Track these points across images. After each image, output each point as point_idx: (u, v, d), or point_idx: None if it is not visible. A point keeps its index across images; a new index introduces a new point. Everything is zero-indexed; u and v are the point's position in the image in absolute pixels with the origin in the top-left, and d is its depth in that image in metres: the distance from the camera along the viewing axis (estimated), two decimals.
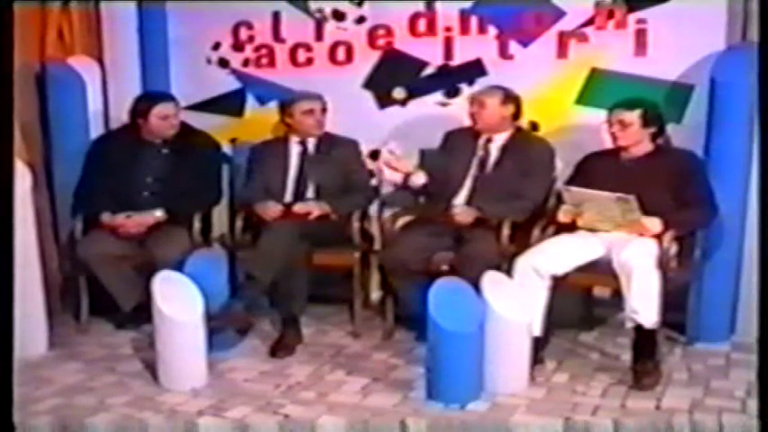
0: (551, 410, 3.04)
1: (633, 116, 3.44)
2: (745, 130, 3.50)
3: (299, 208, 3.89)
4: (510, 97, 3.79)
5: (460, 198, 3.80)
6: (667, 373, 3.34)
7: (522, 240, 3.62)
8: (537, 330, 3.35)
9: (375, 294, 4.19)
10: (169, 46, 4.48)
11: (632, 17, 3.88)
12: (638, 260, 3.19)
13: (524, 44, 4.05)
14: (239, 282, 3.73)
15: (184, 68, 4.50)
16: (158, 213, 3.94)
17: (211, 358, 3.42)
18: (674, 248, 3.35)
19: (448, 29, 4.14)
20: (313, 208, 3.88)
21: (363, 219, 3.97)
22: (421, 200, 4.00)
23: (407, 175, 3.81)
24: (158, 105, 4.00)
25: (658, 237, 3.30)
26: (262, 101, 4.48)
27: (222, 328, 3.56)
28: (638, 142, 3.48)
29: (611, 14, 3.90)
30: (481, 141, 3.82)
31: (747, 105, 3.43)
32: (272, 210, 3.86)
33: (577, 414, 3.01)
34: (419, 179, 3.80)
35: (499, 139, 3.81)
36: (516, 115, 3.82)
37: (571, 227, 3.48)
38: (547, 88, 4.03)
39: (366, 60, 4.28)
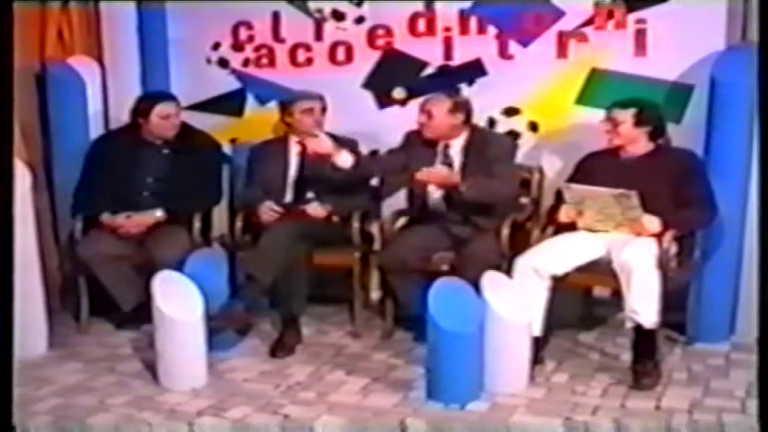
0: (551, 410, 3.04)
1: (626, 115, 3.44)
2: (745, 130, 3.50)
3: (310, 210, 3.90)
4: (459, 104, 3.74)
5: (437, 199, 3.79)
6: (667, 373, 3.34)
7: (522, 240, 3.63)
8: (537, 330, 3.35)
9: (375, 294, 4.18)
10: (169, 46, 4.48)
11: (632, 17, 3.88)
12: (638, 260, 3.19)
13: (524, 44, 4.05)
14: (239, 282, 3.73)
15: (184, 68, 4.50)
16: (158, 213, 3.94)
17: (211, 358, 3.42)
18: (674, 248, 3.35)
19: (447, 29, 4.14)
20: (319, 211, 3.89)
21: (363, 219, 3.97)
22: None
23: (329, 156, 3.66)
24: (160, 104, 4.01)
25: (658, 237, 3.30)
26: (262, 101, 4.48)
27: (222, 328, 3.56)
28: (633, 141, 3.48)
29: (610, 14, 3.90)
30: (440, 148, 3.77)
31: (747, 105, 3.44)
32: (268, 212, 3.86)
33: (577, 414, 3.00)
34: (346, 160, 3.65)
35: (457, 144, 3.76)
36: (468, 120, 3.77)
37: (571, 227, 3.48)
38: (547, 88, 4.03)
39: (366, 60, 4.28)
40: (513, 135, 4.05)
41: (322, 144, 3.67)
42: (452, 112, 3.71)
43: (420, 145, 3.82)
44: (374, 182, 4.17)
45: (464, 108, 3.76)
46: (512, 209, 3.80)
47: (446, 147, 3.78)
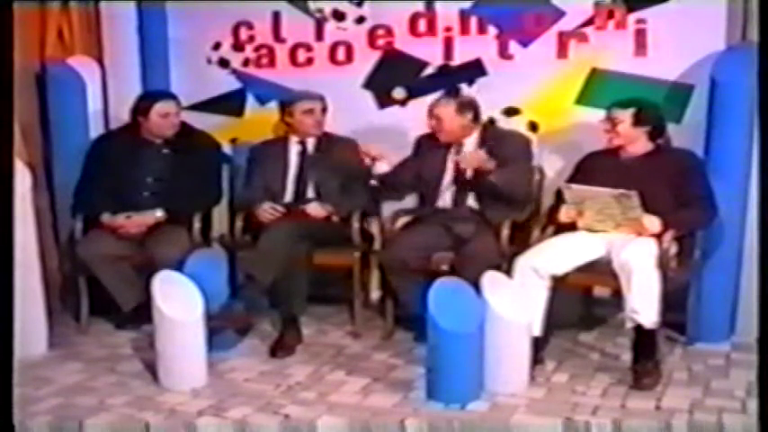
0: (551, 410, 3.04)
1: (625, 115, 3.44)
2: (745, 130, 3.50)
3: (310, 210, 3.91)
4: (465, 105, 3.77)
5: (447, 198, 3.82)
6: (667, 373, 3.34)
7: (522, 240, 3.63)
8: (537, 330, 3.35)
9: (375, 294, 4.19)
10: (169, 46, 4.48)
11: (632, 17, 3.88)
12: (638, 260, 3.19)
13: (524, 44, 4.05)
14: (239, 282, 3.73)
15: (184, 68, 4.50)
16: (158, 213, 3.94)
17: (211, 358, 3.42)
18: (674, 248, 3.36)
19: (448, 29, 4.14)
20: (319, 211, 3.89)
21: (363, 219, 3.97)
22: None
23: (374, 160, 3.77)
24: (159, 103, 4.01)
25: (658, 236, 3.30)
26: (262, 101, 4.48)
27: (222, 328, 3.56)
28: (633, 141, 3.48)
29: (610, 14, 3.90)
30: (453, 147, 3.80)
31: (747, 105, 3.43)
32: (268, 212, 3.86)
33: (577, 414, 3.00)
34: (382, 167, 3.77)
35: (470, 143, 3.79)
36: (476, 118, 3.80)
37: (571, 227, 3.48)
38: (547, 88, 4.03)
39: (366, 60, 4.28)
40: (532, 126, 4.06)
41: (374, 148, 3.76)
42: (460, 112, 3.75)
43: (432, 147, 3.85)
44: (373, 182, 4.17)
45: (471, 107, 3.79)
46: (522, 206, 3.81)
47: (459, 146, 3.79)
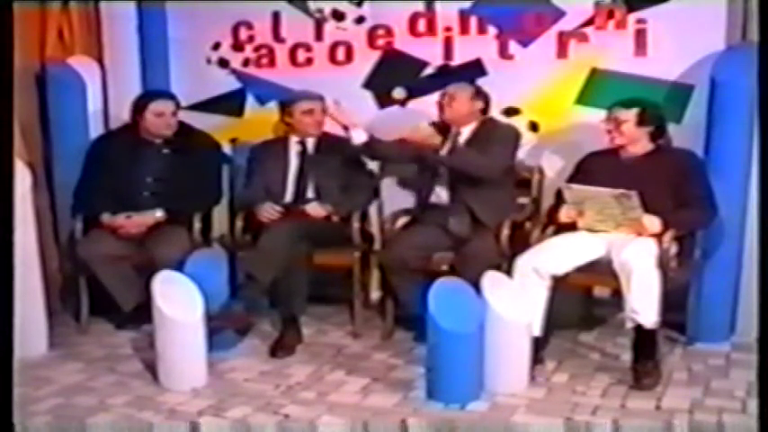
0: (551, 410, 3.04)
1: (629, 115, 3.44)
2: (745, 130, 3.50)
3: (310, 210, 3.91)
4: (481, 93, 3.84)
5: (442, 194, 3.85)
6: (667, 373, 3.34)
7: (522, 240, 3.63)
8: (537, 330, 3.35)
9: (375, 294, 4.19)
10: (169, 46, 4.48)
11: (632, 17, 3.88)
12: (638, 260, 3.19)
13: (524, 44, 4.05)
14: (239, 282, 3.73)
15: (184, 68, 4.50)
16: (158, 213, 3.94)
17: (211, 358, 3.42)
18: (674, 248, 3.35)
19: (448, 29, 4.15)
20: (319, 211, 3.90)
21: (363, 219, 3.97)
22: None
23: (347, 129, 3.81)
24: (154, 102, 4.01)
25: (658, 236, 3.30)
26: (262, 101, 4.48)
27: (222, 328, 3.56)
28: (635, 141, 3.48)
29: (611, 14, 3.90)
30: (451, 134, 3.82)
31: (747, 105, 3.44)
32: (268, 212, 3.86)
33: (577, 414, 3.01)
34: (360, 136, 3.79)
35: (467, 131, 3.82)
36: (485, 111, 3.85)
37: (571, 227, 3.48)
38: (547, 88, 4.03)
39: (366, 60, 4.28)
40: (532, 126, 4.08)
41: (344, 114, 3.82)
42: (473, 99, 3.81)
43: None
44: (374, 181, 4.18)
45: (483, 97, 3.84)
46: (511, 207, 3.84)
47: (457, 134, 3.81)
